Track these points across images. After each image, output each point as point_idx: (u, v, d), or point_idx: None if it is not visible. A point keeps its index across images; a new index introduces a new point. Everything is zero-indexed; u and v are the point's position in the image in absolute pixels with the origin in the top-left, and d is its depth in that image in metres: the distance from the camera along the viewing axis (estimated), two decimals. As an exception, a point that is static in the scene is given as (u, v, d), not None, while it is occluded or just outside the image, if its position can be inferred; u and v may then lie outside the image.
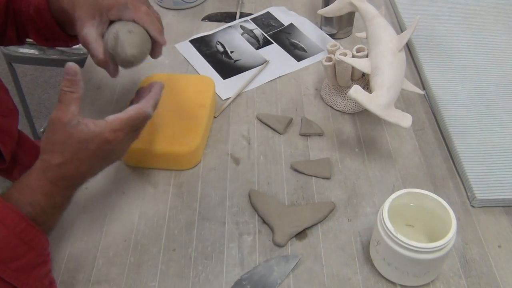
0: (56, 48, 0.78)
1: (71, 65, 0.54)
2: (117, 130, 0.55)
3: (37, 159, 0.54)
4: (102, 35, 0.63)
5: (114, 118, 0.55)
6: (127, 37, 0.59)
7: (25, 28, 0.75)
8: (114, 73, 0.66)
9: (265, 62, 0.91)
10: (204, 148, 0.76)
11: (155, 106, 0.59)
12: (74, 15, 0.63)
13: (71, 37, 0.75)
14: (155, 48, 0.66)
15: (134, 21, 0.62)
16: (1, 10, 0.73)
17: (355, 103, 0.80)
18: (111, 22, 0.64)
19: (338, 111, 0.82)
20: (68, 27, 0.73)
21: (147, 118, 0.58)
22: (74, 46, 0.81)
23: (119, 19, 0.62)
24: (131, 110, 0.56)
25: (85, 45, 0.63)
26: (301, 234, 0.65)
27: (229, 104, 0.84)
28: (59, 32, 0.73)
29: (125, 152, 0.60)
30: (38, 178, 0.53)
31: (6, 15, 0.75)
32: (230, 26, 1.01)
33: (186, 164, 0.73)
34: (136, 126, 0.57)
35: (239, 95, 0.86)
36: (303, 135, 0.78)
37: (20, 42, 0.80)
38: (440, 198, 0.56)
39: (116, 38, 0.59)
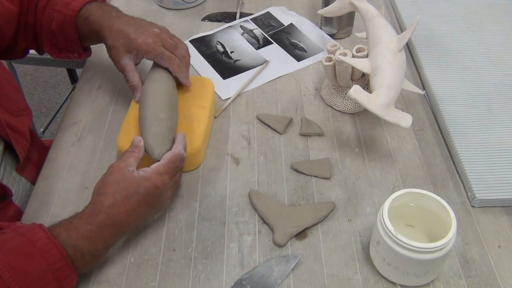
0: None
1: (138, 137, 0.65)
2: (163, 173, 0.61)
3: (89, 202, 0.59)
4: (136, 64, 0.75)
5: (157, 164, 0.62)
6: (154, 142, 0.65)
7: (42, 40, 0.81)
8: (138, 100, 0.74)
9: (265, 62, 0.91)
10: (205, 149, 0.76)
11: (184, 149, 0.66)
12: (106, 41, 0.73)
13: (85, 50, 0.82)
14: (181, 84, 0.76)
15: (168, 67, 0.74)
16: (12, 21, 0.77)
17: (355, 103, 0.80)
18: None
19: (338, 111, 0.82)
20: (87, 41, 0.81)
21: (183, 159, 0.65)
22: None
23: (154, 61, 0.74)
24: (168, 155, 0.63)
25: (123, 72, 0.74)
26: (301, 234, 0.65)
27: (229, 104, 0.84)
28: (77, 45, 0.80)
29: (168, 200, 0.64)
30: (88, 222, 0.56)
31: (17, 27, 0.79)
32: (230, 26, 1.01)
33: (188, 166, 0.73)
34: (176, 168, 0.63)
35: (239, 95, 0.86)
36: (303, 135, 0.78)
37: (39, 52, 0.85)
38: (440, 198, 0.56)
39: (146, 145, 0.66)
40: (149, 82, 0.72)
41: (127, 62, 0.73)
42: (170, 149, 0.65)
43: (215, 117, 0.81)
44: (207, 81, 0.81)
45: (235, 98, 0.85)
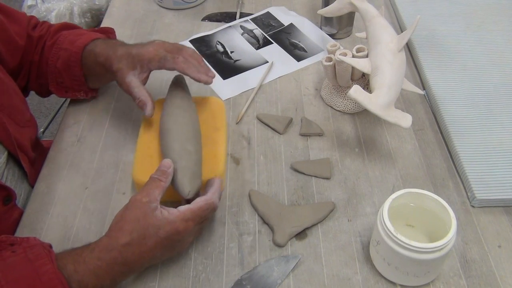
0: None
1: (168, 161, 0.61)
2: (188, 220, 0.57)
3: (104, 235, 0.56)
4: (143, 81, 0.71)
5: (186, 209, 0.58)
6: (183, 176, 0.61)
7: (47, 80, 0.80)
8: (150, 114, 0.70)
9: (266, 63, 0.91)
10: (225, 173, 0.72)
11: (219, 198, 0.62)
12: (112, 68, 0.71)
13: (91, 90, 0.82)
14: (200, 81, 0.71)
15: (174, 69, 0.70)
16: (16, 55, 0.77)
17: (355, 103, 0.80)
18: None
19: (338, 111, 0.82)
20: (94, 80, 0.80)
21: (215, 209, 0.61)
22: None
23: (160, 69, 0.71)
24: (201, 201, 0.59)
25: (129, 89, 0.70)
26: (301, 234, 0.65)
27: (246, 108, 0.84)
28: (82, 83, 0.79)
29: (188, 245, 0.61)
30: (98, 257, 0.54)
31: (20, 63, 0.79)
32: (230, 26, 1.01)
33: None
34: (204, 217, 0.60)
35: (239, 95, 0.86)
36: (303, 135, 0.78)
37: (42, 95, 0.85)
38: (440, 198, 0.56)
39: (175, 179, 0.61)
40: (173, 107, 0.69)
41: (131, 78, 0.70)
42: (199, 185, 0.62)
43: (236, 124, 0.80)
44: (217, 101, 0.77)
45: (234, 98, 0.85)
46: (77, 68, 0.77)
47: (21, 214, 0.70)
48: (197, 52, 0.75)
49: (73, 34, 0.79)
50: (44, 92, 0.84)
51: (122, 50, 0.71)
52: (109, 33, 0.85)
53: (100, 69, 0.74)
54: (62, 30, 0.81)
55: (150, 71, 0.72)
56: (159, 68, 0.71)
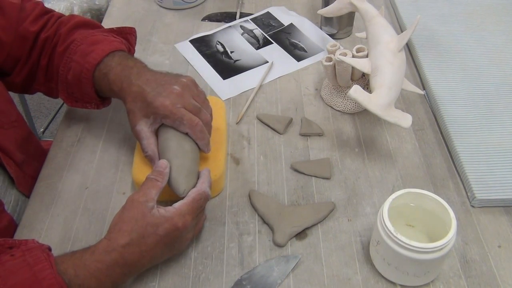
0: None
1: (164, 162, 0.61)
2: (186, 214, 0.58)
3: (103, 237, 0.56)
4: (155, 131, 0.67)
5: (181, 204, 0.58)
6: (178, 176, 0.62)
7: (57, 86, 0.75)
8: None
9: (266, 63, 0.91)
10: (225, 174, 0.72)
11: (210, 186, 0.62)
12: (125, 103, 0.67)
13: (103, 100, 0.75)
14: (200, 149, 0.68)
15: (188, 134, 0.65)
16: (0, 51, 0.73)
17: (355, 103, 0.80)
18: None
19: (338, 111, 0.82)
20: (106, 95, 0.73)
21: (208, 198, 0.61)
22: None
23: (173, 126, 0.65)
24: (193, 193, 0.60)
25: (138, 139, 0.67)
26: (301, 234, 0.65)
27: (246, 108, 0.84)
28: (94, 98, 0.73)
29: (188, 242, 0.61)
30: (98, 260, 0.54)
31: (6, 61, 0.74)
32: (230, 26, 1.01)
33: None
34: (200, 208, 0.60)
35: (239, 95, 0.86)
36: (303, 135, 0.78)
37: (52, 96, 0.81)
38: (440, 198, 0.56)
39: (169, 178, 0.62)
40: None
41: (142, 128, 0.65)
42: (195, 184, 0.62)
43: (236, 124, 0.80)
44: (217, 101, 0.77)
45: (234, 98, 0.85)
46: (88, 85, 0.70)
47: (9, 220, 0.69)
48: (212, 113, 0.69)
49: (86, 42, 0.71)
50: (54, 95, 0.79)
51: (137, 85, 0.65)
52: (128, 34, 0.79)
53: (115, 95, 0.70)
54: (74, 30, 0.75)
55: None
56: (172, 126, 0.65)
